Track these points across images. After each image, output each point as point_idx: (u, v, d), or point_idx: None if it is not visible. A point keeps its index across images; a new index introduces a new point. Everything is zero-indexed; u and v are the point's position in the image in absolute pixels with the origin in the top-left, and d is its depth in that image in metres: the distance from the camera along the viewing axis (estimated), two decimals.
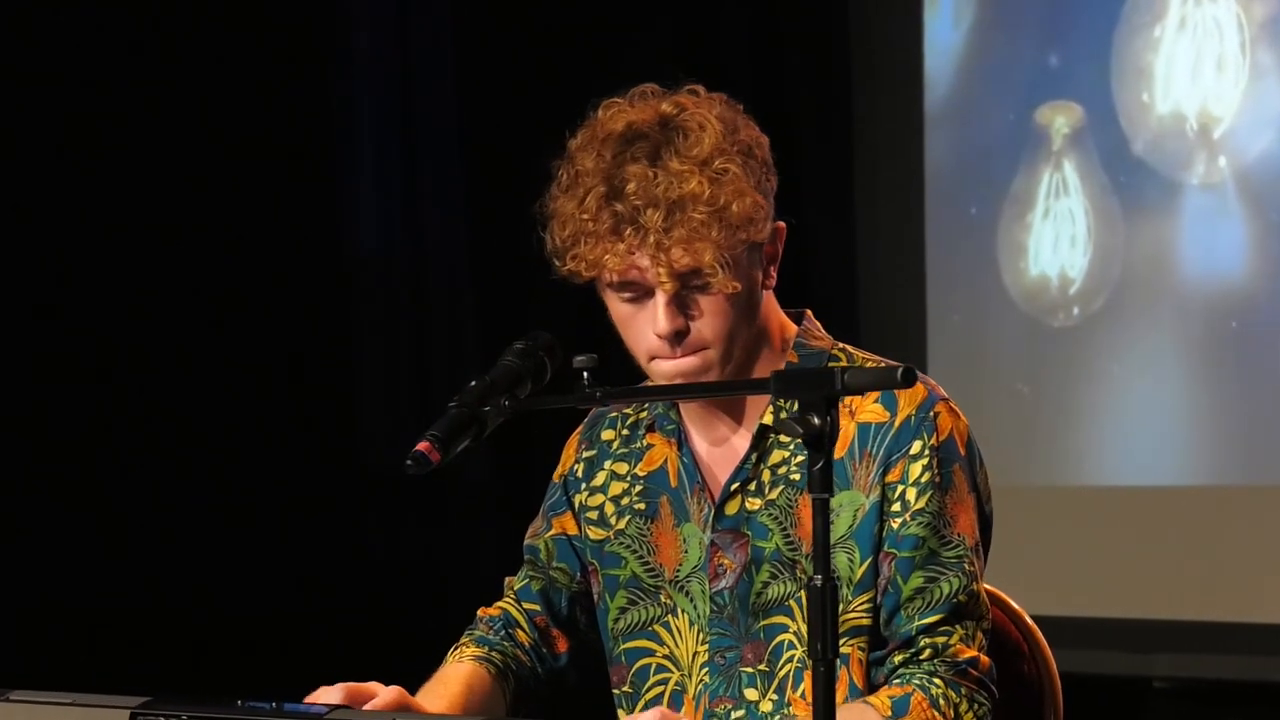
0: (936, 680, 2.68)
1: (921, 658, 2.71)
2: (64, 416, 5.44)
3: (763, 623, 2.76)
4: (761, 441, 2.78)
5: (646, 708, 2.82)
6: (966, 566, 2.72)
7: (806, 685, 2.69)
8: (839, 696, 2.69)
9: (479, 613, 2.95)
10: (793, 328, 2.83)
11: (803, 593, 2.71)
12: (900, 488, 2.72)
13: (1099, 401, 5.80)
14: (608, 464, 2.90)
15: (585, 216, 2.67)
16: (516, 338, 2.69)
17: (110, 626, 5.41)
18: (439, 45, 6.04)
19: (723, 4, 6.11)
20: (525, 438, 4.80)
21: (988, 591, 2.80)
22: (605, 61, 5.77)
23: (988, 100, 5.95)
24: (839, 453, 2.73)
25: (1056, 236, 5.87)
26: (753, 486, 2.78)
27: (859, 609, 2.72)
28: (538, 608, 2.93)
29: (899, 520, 2.71)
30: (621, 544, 2.86)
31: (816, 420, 2.34)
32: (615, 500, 2.88)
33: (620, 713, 2.87)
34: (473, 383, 2.62)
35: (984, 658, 2.72)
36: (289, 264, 5.78)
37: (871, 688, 2.73)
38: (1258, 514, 5.58)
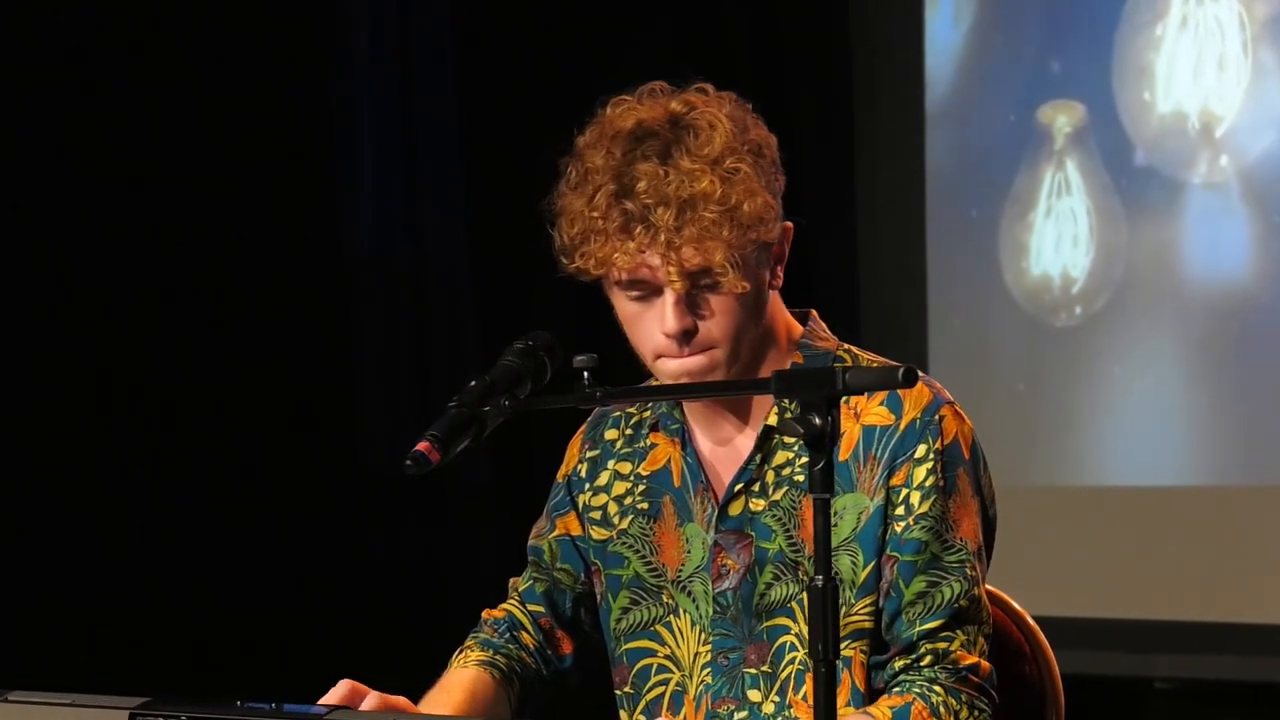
0: (937, 688, 2.68)
1: (922, 664, 2.70)
2: (64, 416, 5.44)
3: (766, 624, 2.75)
4: (766, 442, 2.77)
5: (648, 708, 2.83)
6: (968, 571, 2.71)
7: (808, 688, 2.69)
8: (841, 699, 2.69)
9: (483, 614, 2.94)
10: (798, 328, 2.83)
11: (805, 594, 2.71)
12: (904, 491, 2.71)
13: (1100, 401, 5.79)
14: (611, 464, 2.90)
15: (595, 214, 2.67)
16: (516, 338, 2.68)
17: (110, 626, 5.41)
18: (439, 45, 6.03)
19: (723, 4, 6.10)
20: (525, 438, 4.81)
21: (989, 592, 2.80)
22: (605, 61, 5.77)
23: (988, 100, 5.95)
24: (844, 455, 2.73)
25: (1059, 236, 5.86)
26: (756, 487, 2.77)
27: (861, 612, 2.71)
28: (542, 609, 2.92)
29: (902, 524, 2.71)
30: (624, 544, 2.85)
31: (818, 420, 2.33)
32: (618, 500, 2.88)
33: (622, 714, 2.86)
34: (473, 383, 2.61)
35: (984, 663, 2.71)
36: (289, 264, 5.78)
37: (874, 691, 2.72)
38: (1259, 514, 5.58)
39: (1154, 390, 5.71)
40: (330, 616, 5.71)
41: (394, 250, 6.02)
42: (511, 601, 2.94)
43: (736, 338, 2.71)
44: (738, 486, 2.78)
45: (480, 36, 6.00)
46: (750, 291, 2.69)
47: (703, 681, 2.79)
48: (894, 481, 2.72)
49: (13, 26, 5.35)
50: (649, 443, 2.87)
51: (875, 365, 2.79)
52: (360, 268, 6.00)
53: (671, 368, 2.71)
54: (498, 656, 2.87)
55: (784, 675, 2.75)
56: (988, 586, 2.79)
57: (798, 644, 2.73)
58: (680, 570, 2.81)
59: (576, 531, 2.91)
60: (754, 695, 2.76)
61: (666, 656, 2.83)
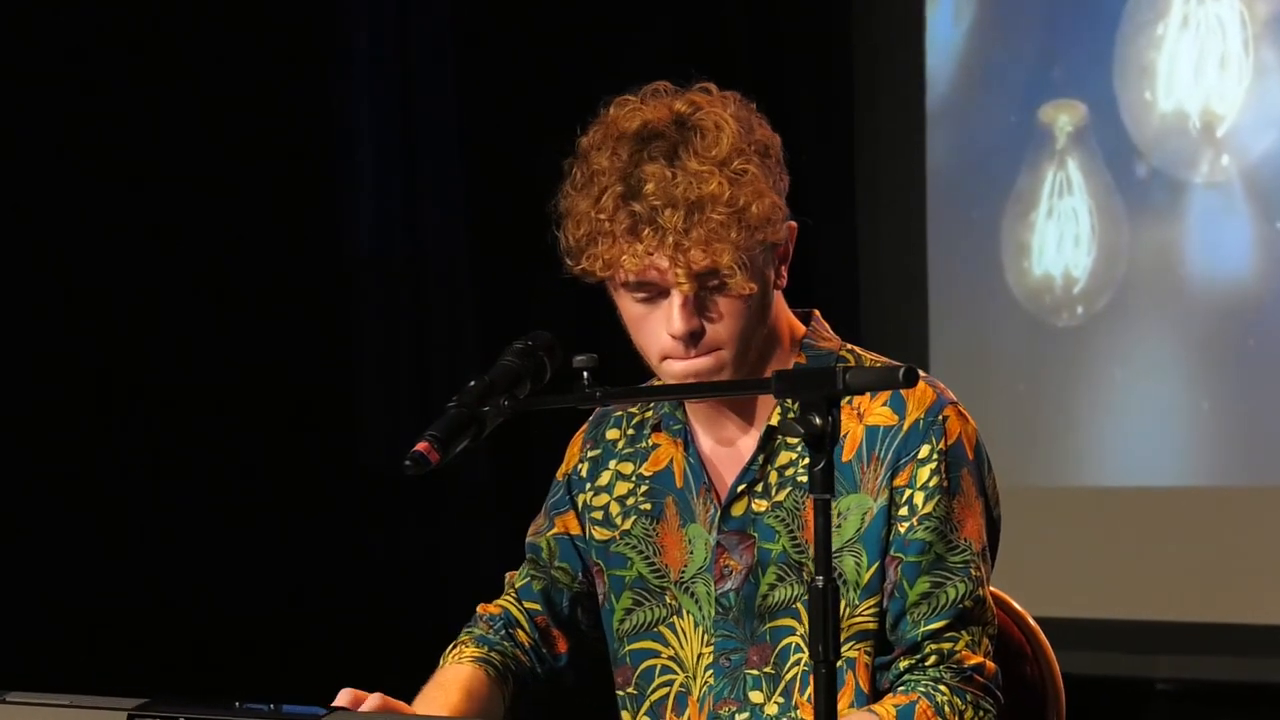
0: (942, 687, 2.67)
1: (927, 664, 2.69)
2: (64, 416, 5.44)
3: (769, 625, 2.75)
4: (769, 443, 2.77)
5: (652, 709, 2.82)
6: (973, 572, 2.70)
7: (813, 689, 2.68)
8: (845, 701, 2.69)
9: (478, 609, 2.94)
10: (801, 328, 2.82)
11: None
12: (908, 492, 2.70)
13: (1101, 401, 5.79)
14: (613, 464, 2.89)
15: (602, 216, 2.66)
16: (516, 338, 2.68)
17: (110, 626, 5.41)
18: (439, 45, 6.03)
19: (723, 4, 6.10)
20: (525, 438, 4.81)
21: (991, 593, 2.79)
22: (605, 61, 5.77)
23: (989, 99, 5.95)
24: (847, 455, 2.72)
25: (1060, 236, 5.86)
26: (759, 488, 2.77)
27: (865, 613, 2.71)
28: (539, 607, 2.91)
29: (906, 525, 2.70)
30: (627, 544, 2.85)
31: (818, 420, 2.33)
32: (620, 500, 2.87)
33: (625, 715, 2.86)
34: (472, 383, 2.61)
35: (989, 663, 2.71)
36: (289, 264, 5.77)
37: (877, 692, 2.72)
38: (1261, 515, 5.57)
39: (1155, 390, 5.71)
40: (330, 616, 5.70)
41: (394, 250, 6.02)
42: (508, 598, 2.94)
43: (743, 339, 2.70)
44: (740, 487, 2.77)
45: (480, 36, 6.00)
46: (757, 293, 2.68)
47: (705, 683, 2.78)
48: (898, 482, 2.71)
49: (13, 26, 5.35)
50: (651, 443, 2.86)
51: (877, 365, 2.78)
52: (360, 268, 6.00)
53: (678, 369, 2.70)
54: (493, 654, 2.86)
55: (789, 677, 2.74)
56: (989, 587, 2.78)
57: (802, 645, 2.72)
58: (683, 571, 2.80)
59: (575, 531, 2.90)
60: (756, 697, 2.76)
61: (670, 658, 2.82)
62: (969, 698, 2.68)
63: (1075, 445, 5.85)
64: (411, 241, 6.05)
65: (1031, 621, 2.96)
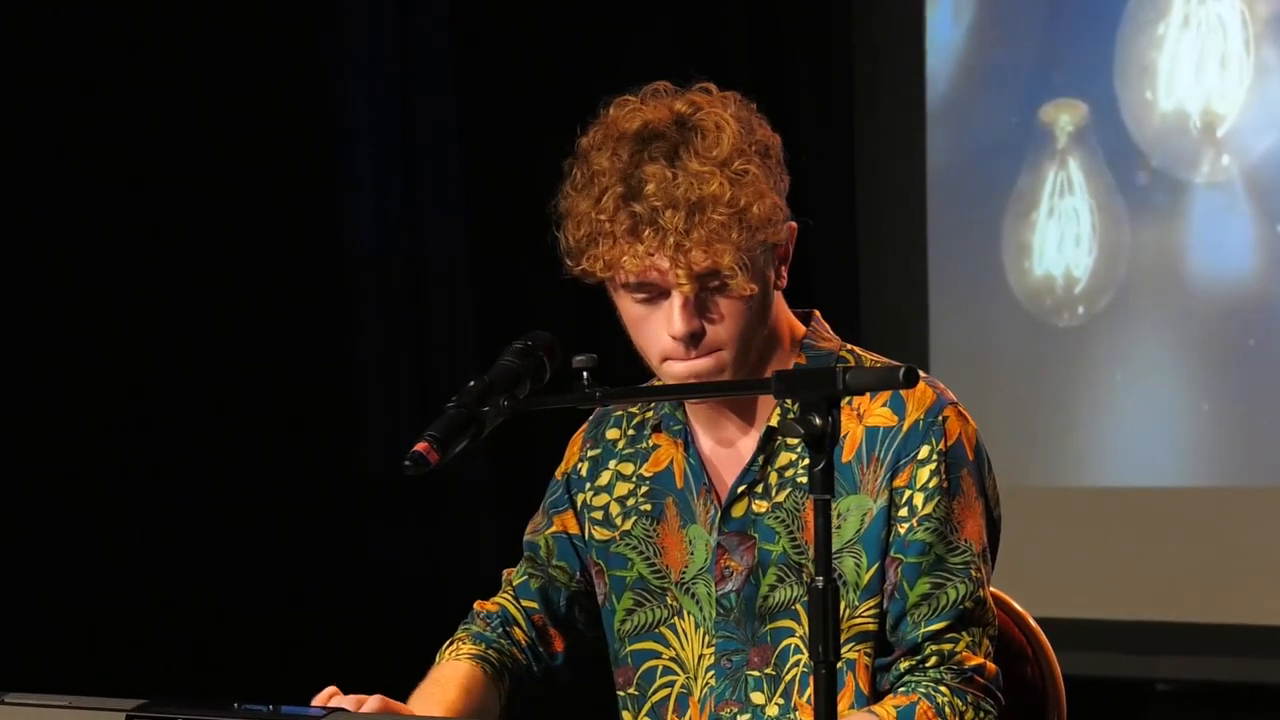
0: (943, 688, 2.67)
1: (927, 665, 2.69)
2: (64, 416, 5.43)
3: (769, 626, 2.74)
4: (769, 443, 2.76)
5: (653, 710, 2.82)
6: (973, 573, 2.70)
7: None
8: (845, 702, 2.69)
9: (475, 606, 2.94)
10: (801, 328, 2.82)
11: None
12: (908, 493, 2.70)
13: (1102, 402, 5.79)
14: (613, 464, 2.89)
15: (602, 217, 2.65)
16: (516, 338, 2.67)
17: (109, 626, 5.40)
18: (439, 45, 6.03)
19: (723, 4, 6.10)
20: (524, 438, 4.80)
21: (991, 594, 2.79)
22: (605, 61, 5.76)
23: (989, 99, 5.94)
24: (847, 456, 2.72)
25: (1061, 236, 5.85)
26: (760, 489, 2.76)
27: (865, 614, 2.70)
28: (536, 606, 2.91)
29: (906, 525, 2.70)
30: (628, 545, 2.84)
31: (818, 421, 2.33)
32: (620, 501, 2.87)
33: (625, 715, 2.85)
34: (472, 383, 2.60)
35: (990, 664, 2.71)
36: (289, 264, 5.77)
37: (877, 694, 2.71)
38: (1261, 515, 5.57)
39: (1155, 390, 5.70)
40: (330, 616, 5.70)
41: (393, 250, 6.02)
42: (505, 595, 2.93)
43: (744, 340, 2.70)
44: (740, 488, 2.77)
45: (480, 36, 5.99)
46: (757, 293, 2.68)
47: (706, 684, 2.78)
48: (897, 483, 2.71)
49: (13, 26, 5.35)
50: (651, 443, 2.86)
51: (877, 366, 2.78)
52: (360, 267, 6.00)
53: (679, 370, 2.70)
54: (490, 651, 2.86)
55: (788, 678, 2.74)
56: (990, 588, 2.78)
57: (802, 646, 2.72)
58: (684, 572, 2.80)
59: (574, 530, 2.90)
60: (757, 698, 2.75)
61: (671, 659, 2.82)
62: (970, 699, 2.67)
63: (1075, 445, 5.85)
64: (411, 241, 6.05)
65: (1032, 622, 2.96)
